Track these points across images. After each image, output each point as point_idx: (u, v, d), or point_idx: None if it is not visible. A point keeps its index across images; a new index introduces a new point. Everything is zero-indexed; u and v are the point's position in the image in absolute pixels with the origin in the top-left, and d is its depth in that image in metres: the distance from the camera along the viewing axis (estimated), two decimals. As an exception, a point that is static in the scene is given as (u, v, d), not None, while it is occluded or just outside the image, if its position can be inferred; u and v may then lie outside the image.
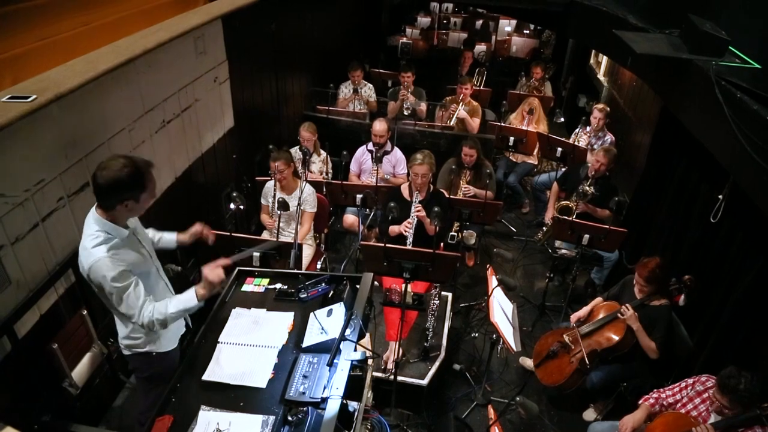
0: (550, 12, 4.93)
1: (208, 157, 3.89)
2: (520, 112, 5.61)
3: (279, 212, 3.53)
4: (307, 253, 3.88)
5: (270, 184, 3.95)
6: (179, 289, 2.38)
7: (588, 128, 5.20)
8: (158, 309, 2.15)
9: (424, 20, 10.23)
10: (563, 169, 4.93)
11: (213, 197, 4.08)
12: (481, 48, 8.30)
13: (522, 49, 8.95)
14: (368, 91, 5.92)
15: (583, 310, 3.46)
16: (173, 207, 3.42)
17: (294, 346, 2.16)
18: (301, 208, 3.69)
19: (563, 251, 4.38)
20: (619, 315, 3.20)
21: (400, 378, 3.22)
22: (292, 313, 2.33)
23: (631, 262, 3.99)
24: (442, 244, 3.72)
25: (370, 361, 2.21)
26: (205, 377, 2.05)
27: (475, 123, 5.54)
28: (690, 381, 2.69)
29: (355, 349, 2.04)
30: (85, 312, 2.67)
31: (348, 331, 2.04)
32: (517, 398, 3.06)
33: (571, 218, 3.99)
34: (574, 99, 7.66)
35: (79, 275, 2.50)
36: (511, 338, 3.05)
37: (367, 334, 2.50)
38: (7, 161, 2.18)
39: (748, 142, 2.13)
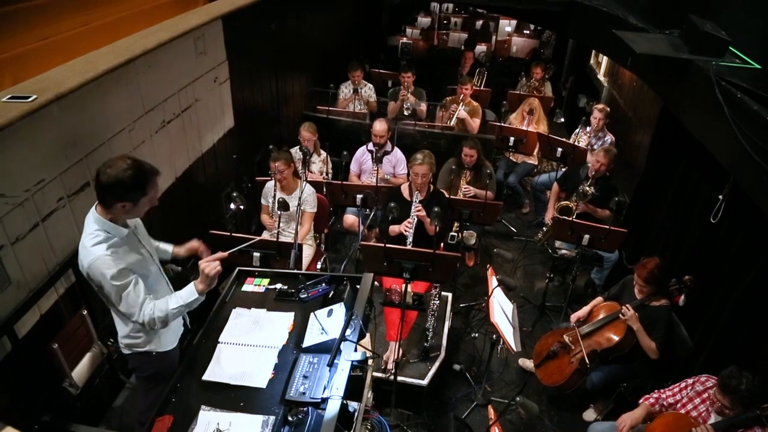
0: (550, 12, 4.92)
1: (208, 157, 3.89)
2: (520, 112, 5.60)
3: (279, 212, 3.52)
4: (308, 253, 3.88)
5: (270, 184, 3.95)
6: (180, 289, 2.37)
7: (588, 128, 5.20)
8: (159, 306, 2.15)
9: (424, 20, 10.22)
10: (563, 170, 4.93)
11: (213, 197, 4.08)
12: (481, 48, 8.29)
13: (522, 49, 8.94)
14: (368, 91, 5.92)
15: (583, 311, 3.46)
16: (173, 207, 3.42)
17: (294, 347, 2.16)
18: (301, 208, 3.69)
19: (563, 251, 4.38)
20: (620, 316, 3.20)
21: (400, 378, 3.22)
22: (293, 314, 2.33)
23: (631, 263, 3.98)
24: (442, 244, 3.72)
25: (370, 362, 2.21)
26: (206, 377, 2.05)
27: (475, 123, 5.54)
28: (690, 381, 2.69)
29: (356, 350, 2.04)
30: (86, 312, 2.67)
31: (348, 332, 2.04)
32: (517, 398, 3.07)
33: (571, 218, 3.99)
34: (574, 99, 7.65)
35: (79, 275, 2.50)
36: (511, 338, 3.05)
37: (368, 335, 2.50)
38: (7, 161, 2.18)
39: (748, 143, 2.14)
